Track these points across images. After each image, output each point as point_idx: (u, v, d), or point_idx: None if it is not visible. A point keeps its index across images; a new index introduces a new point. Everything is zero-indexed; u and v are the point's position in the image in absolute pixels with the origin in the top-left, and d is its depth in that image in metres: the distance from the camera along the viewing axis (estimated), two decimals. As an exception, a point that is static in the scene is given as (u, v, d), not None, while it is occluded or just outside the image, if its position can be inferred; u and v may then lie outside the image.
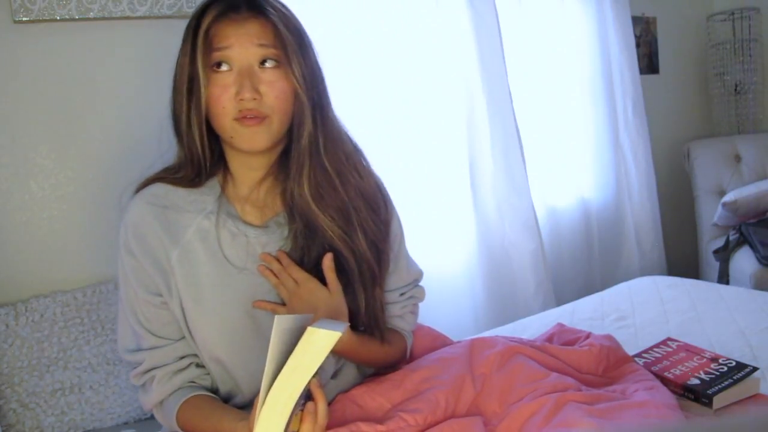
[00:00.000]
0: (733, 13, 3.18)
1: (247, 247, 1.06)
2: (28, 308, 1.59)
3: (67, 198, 1.73)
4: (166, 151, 1.10)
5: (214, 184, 1.09)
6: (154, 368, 1.06)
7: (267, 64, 1.00)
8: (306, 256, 1.07)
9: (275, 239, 1.08)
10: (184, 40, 1.02)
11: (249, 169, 1.08)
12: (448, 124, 2.31)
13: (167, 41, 1.86)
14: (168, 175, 1.08)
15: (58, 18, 1.66)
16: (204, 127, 1.02)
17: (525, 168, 2.44)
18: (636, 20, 3.02)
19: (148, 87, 1.77)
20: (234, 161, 1.08)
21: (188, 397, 1.04)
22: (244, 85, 0.98)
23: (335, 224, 1.05)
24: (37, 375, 1.54)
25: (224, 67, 0.99)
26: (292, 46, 1.00)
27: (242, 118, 0.99)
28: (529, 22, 2.59)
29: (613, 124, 2.83)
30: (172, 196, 1.07)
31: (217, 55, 0.99)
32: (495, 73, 2.36)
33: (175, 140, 1.07)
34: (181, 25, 1.05)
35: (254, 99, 0.98)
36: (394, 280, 1.17)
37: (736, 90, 3.22)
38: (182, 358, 1.06)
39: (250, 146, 1.02)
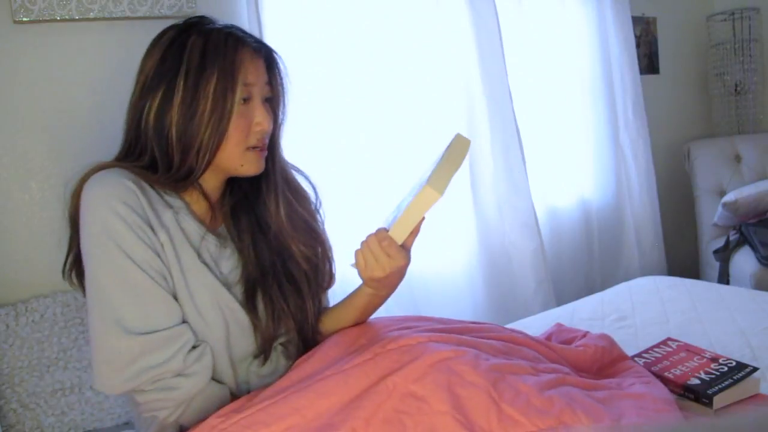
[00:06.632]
0: (733, 13, 3.18)
1: (207, 247, 1.08)
2: (28, 308, 1.59)
3: (67, 198, 1.73)
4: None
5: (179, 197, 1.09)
6: (199, 342, 1.01)
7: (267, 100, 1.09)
8: (265, 262, 1.11)
9: (228, 246, 1.11)
10: (209, 68, 1.02)
11: (215, 188, 1.13)
12: (448, 124, 2.31)
13: (167, 41, 1.86)
14: (134, 168, 1.04)
15: (58, 18, 1.67)
16: (215, 155, 1.04)
17: (525, 168, 2.44)
18: (636, 20, 3.02)
19: (148, 87, 1.76)
20: (207, 179, 1.10)
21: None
22: (267, 116, 1.07)
23: (306, 246, 1.14)
24: (37, 375, 1.55)
25: (248, 101, 1.06)
26: (285, 86, 1.12)
27: (255, 147, 1.06)
28: (529, 22, 2.59)
29: (613, 125, 2.83)
30: (143, 185, 1.03)
31: (245, 90, 1.04)
32: (495, 73, 2.36)
33: (151, 142, 1.04)
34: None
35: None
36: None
37: (736, 90, 3.22)
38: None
39: (256, 171, 1.09)
